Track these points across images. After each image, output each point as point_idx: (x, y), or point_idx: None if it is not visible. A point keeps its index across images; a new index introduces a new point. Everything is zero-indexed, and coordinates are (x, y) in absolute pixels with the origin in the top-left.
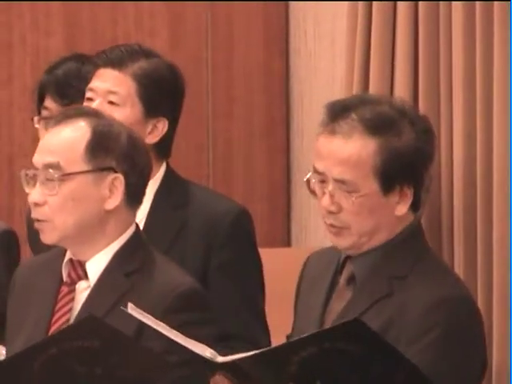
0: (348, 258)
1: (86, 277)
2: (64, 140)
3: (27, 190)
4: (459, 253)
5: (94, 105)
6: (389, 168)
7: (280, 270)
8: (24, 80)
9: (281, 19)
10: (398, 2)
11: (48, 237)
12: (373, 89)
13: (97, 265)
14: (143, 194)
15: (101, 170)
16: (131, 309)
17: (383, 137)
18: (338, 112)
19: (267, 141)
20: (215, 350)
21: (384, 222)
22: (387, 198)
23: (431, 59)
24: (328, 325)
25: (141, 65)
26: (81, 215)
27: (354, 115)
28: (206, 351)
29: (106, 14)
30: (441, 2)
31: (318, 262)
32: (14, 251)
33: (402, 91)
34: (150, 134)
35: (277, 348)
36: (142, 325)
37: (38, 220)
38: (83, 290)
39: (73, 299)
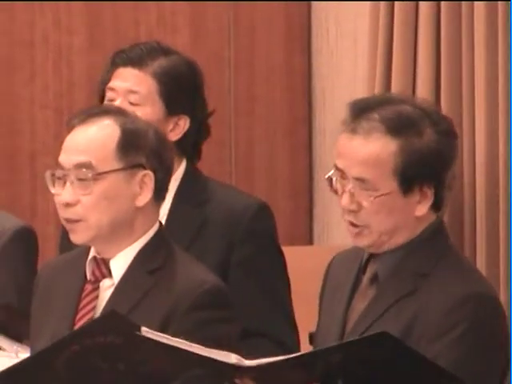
0: (371, 257)
1: (109, 275)
2: (94, 139)
3: (54, 190)
4: (481, 250)
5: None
6: (409, 169)
7: (302, 268)
8: (46, 78)
9: (303, 18)
10: (420, 2)
11: (81, 236)
12: (395, 87)
13: (121, 262)
14: (167, 190)
15: (132, 167)
16: (145, 332)
17: (404, 137)
18: (360, 111)
19: (289, 139)
20: (239, 352)
21: (403, 222)
22: (407, 198)
23: (453, 58)
24: (351, 324)
25: (160, 63)
26: (114, 213)
27: (375, 115)
28: (230, 358)
29: (129, 12)
30: (463, 2)
31: (343, 264)
32: (33, 247)
33: (424, 90)
34: (171, 131)
35: (303, 355)
36: (165, 322)
37: (70, 220)
38: (107, 288)
39: (97, 297)
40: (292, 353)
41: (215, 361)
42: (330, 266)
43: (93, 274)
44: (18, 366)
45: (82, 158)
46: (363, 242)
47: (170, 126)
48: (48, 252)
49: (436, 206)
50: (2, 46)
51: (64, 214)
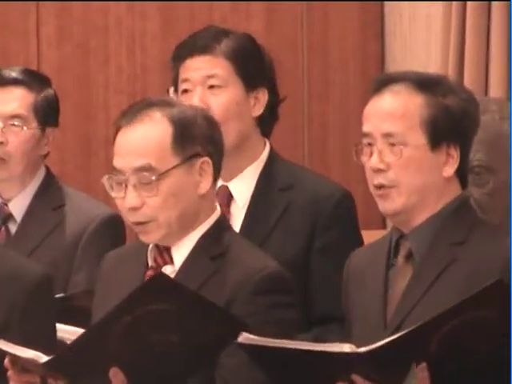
0: (401, 236)
1: (171, 261)
2: (147, 139)
3: (114, 194)
4: None
5: (196, 95)
6: (436, 122)
7: None
8: (120, 63)
9: (376, 2)
10: None
11: (153, 236)
12: (468, 70)
13: (183, 249)
14: (220, 171)
15: (189, 158)
16: (244, 339)
17: (430, 93)
18: (386, 81)
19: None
20: (297, 333)
21: (432, 183)
22: (435, 154)
23: None
24: (393, 305)
25: (226, 43)
26: (182, 207)
27: (402, 81)
28: (343, 348)
29: None
30: None
31: (362, 258)
32: (119, 235)
33: (497, 73)
34: (253, 107)
35: (421, 325)
36: (227, 307)
37: (139, 223)
38: (169, 275)
39: None
40: None
41: (331, 353)
42: (348, 264)
43: (154, 260)
44: (73, 344)
45: (141, 162)
46: (392, 205)
47: (252, 102)
48: (131, 238)
49: (461, 176)
50: (76, 32)
51: (132, 217)
